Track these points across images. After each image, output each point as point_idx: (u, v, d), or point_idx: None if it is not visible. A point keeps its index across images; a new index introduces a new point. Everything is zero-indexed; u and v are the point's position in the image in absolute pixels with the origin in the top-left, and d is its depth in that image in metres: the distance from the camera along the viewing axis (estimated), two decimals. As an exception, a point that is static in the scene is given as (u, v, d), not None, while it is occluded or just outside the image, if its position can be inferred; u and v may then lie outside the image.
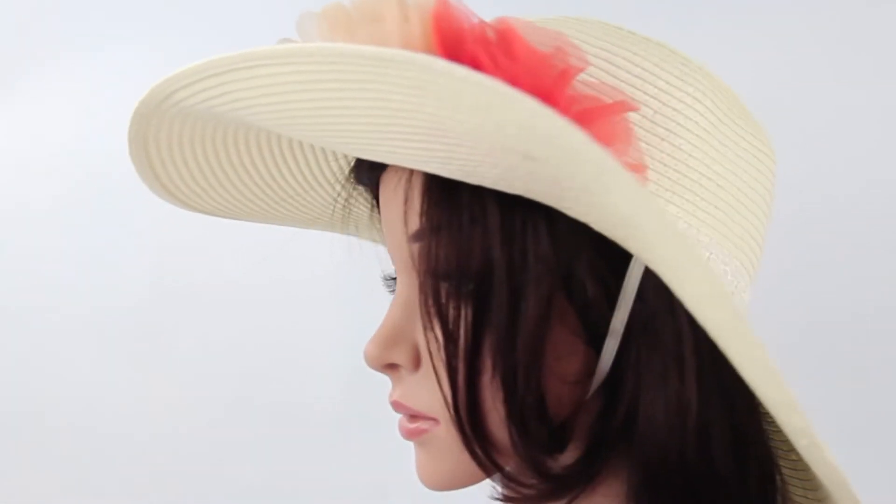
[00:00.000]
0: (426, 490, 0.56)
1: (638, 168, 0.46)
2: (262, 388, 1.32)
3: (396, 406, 0.54)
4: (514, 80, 0.41)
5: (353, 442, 1.30)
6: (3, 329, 1.38)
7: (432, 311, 0.49)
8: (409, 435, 0.54)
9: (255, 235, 1.20)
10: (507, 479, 0.52)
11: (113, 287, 1.35)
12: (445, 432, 0.52)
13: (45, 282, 1.37)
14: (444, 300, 0.49)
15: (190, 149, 0.58)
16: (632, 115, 0.47)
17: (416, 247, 0.50)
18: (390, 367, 0.54)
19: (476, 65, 0.42)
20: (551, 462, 0.52)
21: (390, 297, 0.57)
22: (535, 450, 0.50)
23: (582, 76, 0.46)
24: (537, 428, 0.48)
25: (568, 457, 0.51)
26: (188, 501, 1.33)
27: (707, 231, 0.48)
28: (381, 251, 0.56)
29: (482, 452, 0.50)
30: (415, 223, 0.50)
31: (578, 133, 0.36)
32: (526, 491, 0.52)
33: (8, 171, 1.39)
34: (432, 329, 0.49)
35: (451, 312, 0.49)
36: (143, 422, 1.34)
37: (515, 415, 0.48)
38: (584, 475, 0.51)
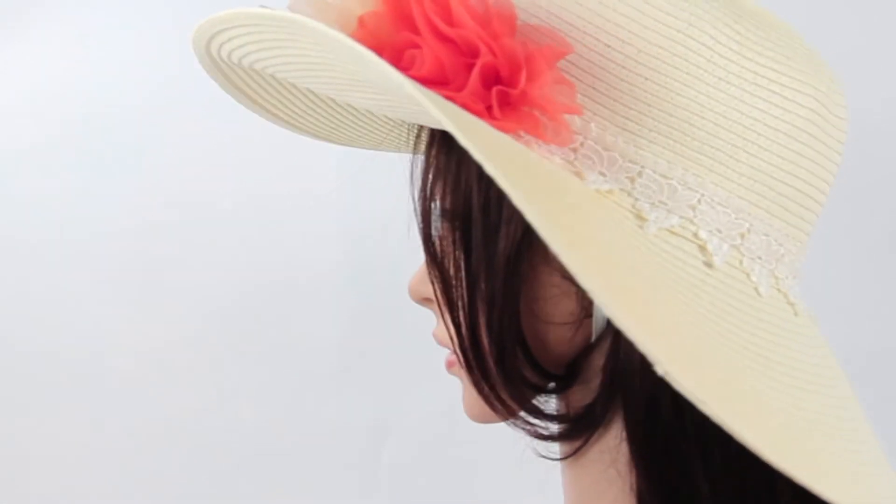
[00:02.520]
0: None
1: (576, 111, 0.46)
2: (264, 326, 1.32)
3: (435, 339, 0.58)
4: (446, 42, 0.44)
5: (354, 380, 1.30)
6: (4, 261, 1.40)
7: (426, 248, 0.52)
8: (446, 366, 0.58)
9: (257, 168, 1.22)
10: (513, 418, 0.54)
11: (113, 218, 1.35)
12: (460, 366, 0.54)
13: (45, 214, 1.38)
14: (436, 238, 0.52)
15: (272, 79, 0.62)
16: (616, 55, 0.47)
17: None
18: (427, 301, 0.58)
19: (415, 29, 0.45)
20: (571, 401, 0.53)
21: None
22: (519, 389, 0.52)
23: (532, 21, 0.47)
24: (514, 366, 0.50)
25: (582, 398, 0.52)
26: (188, 439, 1.35)
27: (698, 170, 0.47)
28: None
29: (487, 388, 0.52)
30: (420, 164, 0.53)
31: (406, 81, 0.38)
32: (529, 429, 0.54)
33: (6, 105, 1.39)
34: (430, 267, 0.53)
35: (443, 251, 0.52)
36: (143, 356, 1.35)
37: (495, 353, 0.50)
38: (590, 418, 0.51)
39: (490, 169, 0.34)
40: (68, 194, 1.37)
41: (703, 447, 0.47)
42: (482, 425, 0.59)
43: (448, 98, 0.43)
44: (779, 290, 0.50)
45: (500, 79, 0.45)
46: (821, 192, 0.52)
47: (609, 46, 0.47)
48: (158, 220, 1.35)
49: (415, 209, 0.54)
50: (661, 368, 0.35)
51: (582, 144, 0.47)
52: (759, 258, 0.49)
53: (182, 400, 1.35)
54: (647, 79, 0.47)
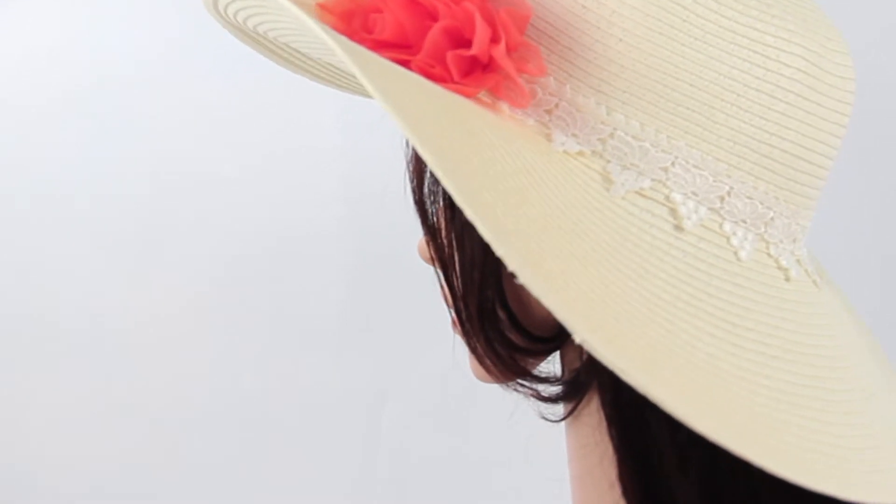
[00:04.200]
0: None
1: (538, 72, 0.46)
2: (264, 290, 1.31)
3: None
4: (408, 6, 0.45)
5: (353, 346, 1.28)
6: (3, 225, 1.40)
7: (418, 209, 0.53)
8: (451, 326, 0.58)
9: (257, 131, 1.20)
10: (507, 379, 0.55)
11: (113, 181, 1.35)
12: None
13: (45, 178, 1.38)
14: (425, 199, 0.53)
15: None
16: (591, 16, 0.46)
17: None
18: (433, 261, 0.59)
19: None
20: (566, 364, 0.55)
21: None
22: (506, 350, 0.52)
23: None
24: (496, 327, 0.51)
25: (574, 361, 0.53)
26: (187, 404, 1.35)
27: (672, 132, 0.46)
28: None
29: (479, 349, 0.53)
30: None
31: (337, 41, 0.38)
32: (527, 390, 0.55)
33: (6, 68, 1.39)
34: (423, 228, 0.54)
35: (431, 211, 0.53)
36: (142, 320, 1.35)
37: (478, 313, 0.51)
38: (577, 381, 0.52)
39: (407, 132, 0.35)
40: (68, 158, 1.37)
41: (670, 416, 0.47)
42: (482, 388, 0.60)
43: (404, 62, 0.44)
44: (769, 254, 0.49)
45: (464, 43, 0.45)
46: (817, 153, 0.49)
47: (585, 7, 0.47)
48: (157, 184, 1.34)
49: (408, 169, 0.55)
50: (578, 337, 0.35)
51: (556, 106, 0.48)
52: (744, 221, 0.48)
53: (182, 364, 1.36)
54: (620, 39, 0.46)
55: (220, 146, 1.31)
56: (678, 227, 0.46)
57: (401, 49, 0.45)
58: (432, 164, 0.34)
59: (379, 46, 0.46)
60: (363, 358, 1.30)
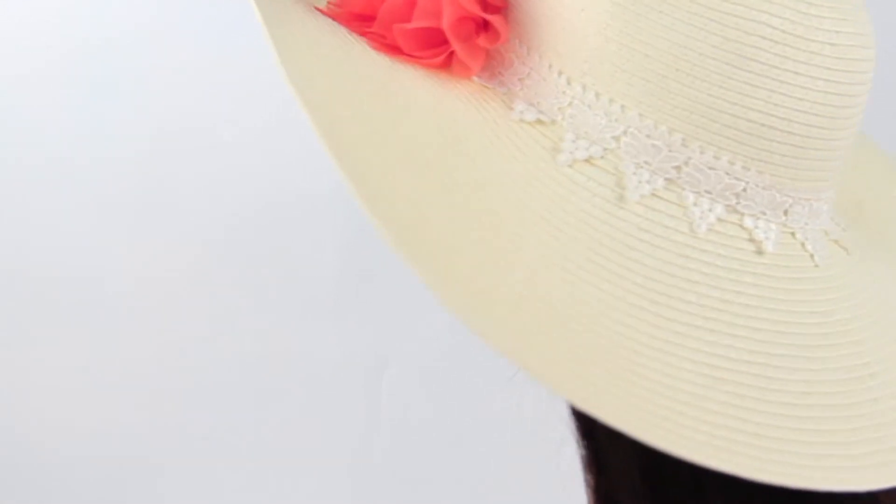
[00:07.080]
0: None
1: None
2: (263, 253, 1.28)
3: None
4: None
5: (351, 310, 1.24)
6: (3, 187, 1.36)
7: None
8: None
9: (254, 93, 1.18)
10: None
11: (113, 145, 1.32)
12: None
13: (44, 140, 1.34)
14: None
15: None
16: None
17: None
18: None
19: None
20: None
21: None
22: None
23: None
24: None
25: None
26: (188, 367, 1.33)
27: (626, 101, 0.46)
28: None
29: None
30: None
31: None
32: None
33: (5, 30, 1.33)
34: None
35: None
36: (143, 283, 1.33)
37: None
38: None
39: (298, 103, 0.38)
40: (68, 121, 1.35)
41: None
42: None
43: (365, 34, 0.47)
44: (741, 226, 0.48)
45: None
46: (799, 122, 0.47)
47: None
48: (157, 147, 1.32)
49: None
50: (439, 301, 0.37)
51: (528, 75, 0.49)
52: (707, 192, 0.47)
53: (178, 329, 1.34)
54: (582, 10, 0.47)
55: (219, 109, 1.29)
56: (622, 198, 0.46)
57: (368, 21, 0.48)
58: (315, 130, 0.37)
59: (350, 19, 0.49)
60: (362, 322, 1.28)
